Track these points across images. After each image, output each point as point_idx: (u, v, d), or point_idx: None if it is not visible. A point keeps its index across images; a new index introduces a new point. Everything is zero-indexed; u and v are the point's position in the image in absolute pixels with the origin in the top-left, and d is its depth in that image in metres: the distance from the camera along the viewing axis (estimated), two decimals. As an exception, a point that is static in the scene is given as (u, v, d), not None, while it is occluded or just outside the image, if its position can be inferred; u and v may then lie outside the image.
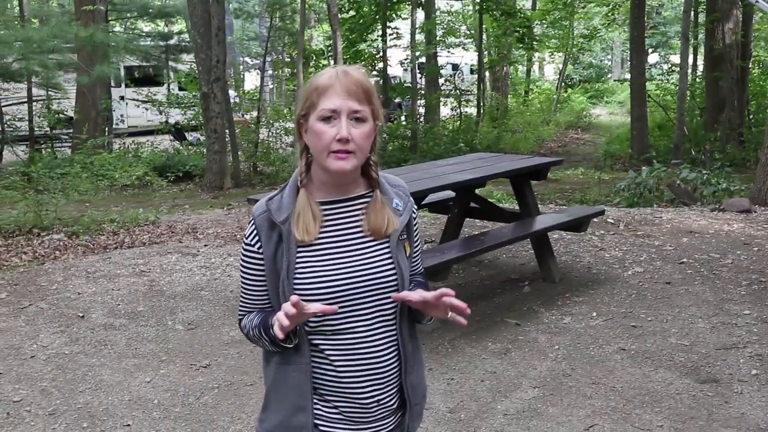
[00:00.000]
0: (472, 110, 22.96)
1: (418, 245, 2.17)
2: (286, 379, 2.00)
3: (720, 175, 10.56)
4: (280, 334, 1.81)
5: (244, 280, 2.04)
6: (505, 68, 26.48)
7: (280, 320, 1.81)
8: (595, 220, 7.44)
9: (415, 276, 2.17)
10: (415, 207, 2.12)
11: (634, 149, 16.73)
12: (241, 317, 2.09)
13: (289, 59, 24.21)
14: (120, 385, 4.54)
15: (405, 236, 2.07)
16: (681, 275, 6.34)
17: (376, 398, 2.03)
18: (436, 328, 5.23)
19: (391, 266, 2.00)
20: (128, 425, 4.05)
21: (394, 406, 2.09)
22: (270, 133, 18.76)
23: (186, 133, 20.68)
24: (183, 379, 4.62)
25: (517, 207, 6.71)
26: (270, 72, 26.55)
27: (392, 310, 2.02)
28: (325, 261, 1.95)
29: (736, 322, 5.34)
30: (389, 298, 2.00)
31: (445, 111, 23.53)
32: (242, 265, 2.04)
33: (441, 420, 4.05)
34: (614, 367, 4.69)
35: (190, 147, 18.81)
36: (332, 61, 16.98)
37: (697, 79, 21.58)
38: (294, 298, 1.80)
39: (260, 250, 1.97)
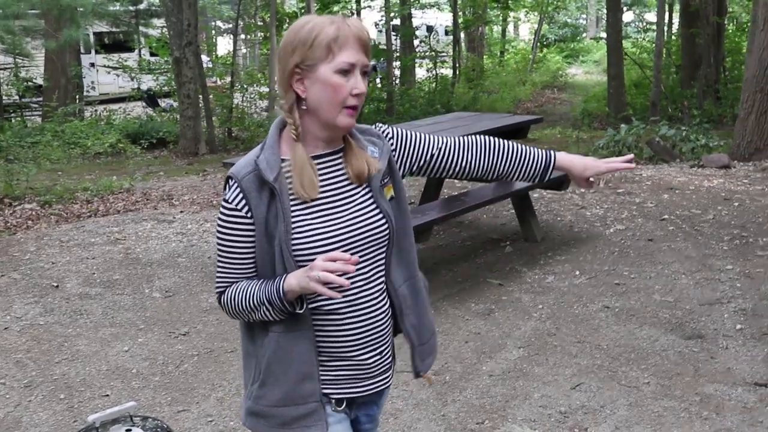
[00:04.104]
0: (447, 72, 22.79)
1: (413, 136, 2.06)
2: (290, 348, 1.89)
3: (698, 132, 10.53)
4: (335, 294, 1.73)
5: (227, 250, 1.88)
6: (480, 28, 26.24)
7: (326, 278, 1.71)
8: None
9: (444, 144, 2.07)
10: (390, 133, 2.03)
11: (611, 107, 16.68)
12: (222, 289, 1.92)
13: (261, 23, 23.85)
14: (97, 355, 4.44)
15: (387, 179, 1.97)
16: (663, 232, 6.31)
17: (378, 350, 1.98)
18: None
19: (380, 214, 1.93)
20: (107, 395, 3.96)
21: (390, 360, 2.06)
22: (244, 98, 18.52)
23: (159, 100, 20.37)
24: (162, 347, 4.52)
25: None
26: (243, 36, 26.16)
27: (383, 258, 1.96)
28: (321, 217, 1.86)
29: (719, 278, 5.31)
30: (381, 246, 1.94)
31: (420, 73, 23.34)
32: (224, 233, 1.87)
33: (425, 382, 3.98)
34: (599, 325, 4.65)
35: (163, 113, 18.52)
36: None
37: (673, 37, 21.51)
38: (345, 255, 1.75)
39: (248, 214, 1.83)
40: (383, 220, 1.93)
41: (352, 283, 1.86)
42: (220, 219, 1.88)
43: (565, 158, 2.15)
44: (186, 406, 3.83)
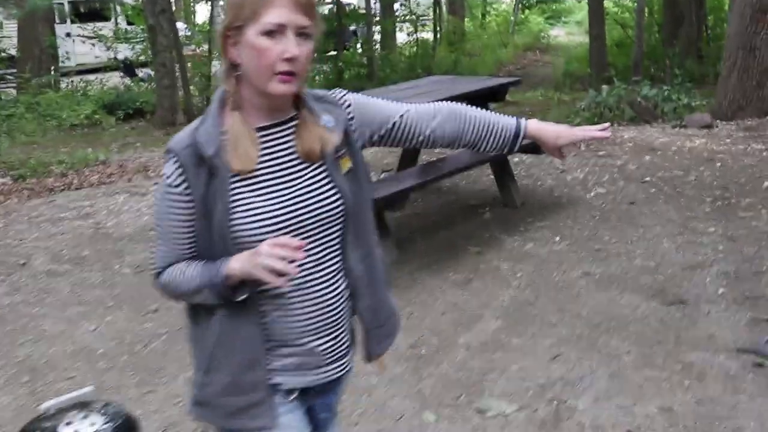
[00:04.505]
0: (428, 35, 22.51)
1: (373, 103, 1.90)
2: (235, 333, 1.75)
3: (680, 91, 10.38)
4: (281, 282, 1.61)
5: (164, 229, 1.75)
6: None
7: (272, 266, 1.58)
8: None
9: (406, 113, 1.93)
10: (348, 100, 1.87)
11: (593, 68, 16.49)
12: (159, 270, 1.80)
13: (239, -12, 23.41)
14: (63, 335, 4.30)
15: (344, 151, 1.81)
16: (644, 195, 6.20)
17: (332, 335, 1.84)
18: (392, 261, 5.03)
19: (333, 191, 1.77)
20: (72, 377, 3.83)
21: (346, 345, 1.91)
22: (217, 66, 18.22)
23: (136, 69, 20.00)
24: (130, 325, 4.39)
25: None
26: (222, 2, 25.73)
27: (338, 237, 1.81)
28: (265, 195, 1.70)
29: (702, 240, 5.22)
30: (335, 225, 1.79)
31: (401, 37, 23.05)
32: (162, 211, 1.74)
33: (401, 357, 3.87)
34: (579, 292, 4.55)
35: (141, 83, 18.21)
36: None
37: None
38: (294, 240, 1.63)
39: (188, 191, 1.69)
40: (337, 197, 1.78)
41: (301, 266, 1.71)
42: (157, 196, 1.75)
43: (535, 126, 2.01)
44: (153, 387, 3.71)
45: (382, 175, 7.03)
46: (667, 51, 16.28)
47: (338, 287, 1.83)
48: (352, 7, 23.92)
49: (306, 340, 1.80)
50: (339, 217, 1.80)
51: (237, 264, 1.66)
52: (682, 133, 8.37)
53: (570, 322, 4.18)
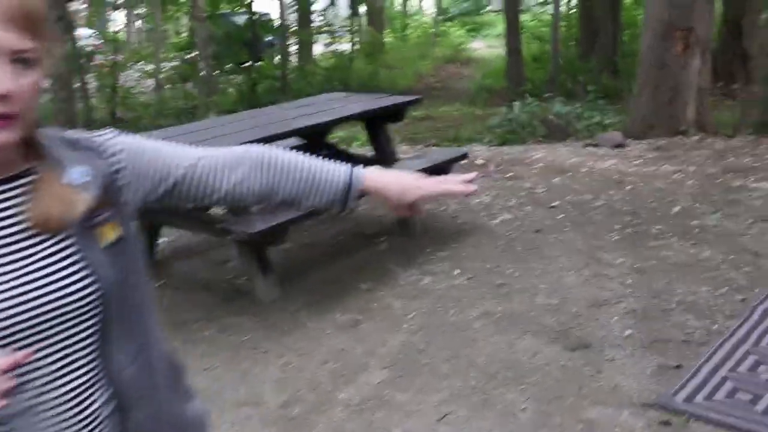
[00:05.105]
0: (347, 47, 22.15)
1: (154, 148, 1.44)
2: None
3: (593, 108, 10.18)
4: None
5: None
6: (380, 2, 25.62)
7: None
8: (461, 162, 6.77)
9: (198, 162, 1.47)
10: (118, 145, 1.39)
11: (510, 82, 16.33)
12: None
13: (151, -4, 22.66)
14: None
15: (107, 215, 1.32)
16: (551, 221, 5.85)
17: None
18: (274, 300, 4.55)
19: (82, 272, 1.27)
20: None
21: None
22: (129, 77, 17.55)
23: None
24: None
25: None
26: (142, 11, 24.83)
27: (93, 334, 1.31)
28: None
29: (609, 273, 4.87)
30: (85, 320, 1.29)
31: (319, 49, 22.62)
32: None
33: (269, 418, 3.39)
34: (476, 336, 4.13)
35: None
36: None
37: (572, 9, 21.32)
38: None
39: None
40: (87, 281, 1.28)
41: (28, 383, 1.23)
42: None
43: (375, 179, 1.55)
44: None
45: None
46: (584, 66, 16.23)
47: (91, 403, 1.33)
48: (268, 17, 23.38)
49: None
50: (92, 308, 1.30)
51: None
52: (593, 152, 8.09)
53: (463, 372, 3.76)
